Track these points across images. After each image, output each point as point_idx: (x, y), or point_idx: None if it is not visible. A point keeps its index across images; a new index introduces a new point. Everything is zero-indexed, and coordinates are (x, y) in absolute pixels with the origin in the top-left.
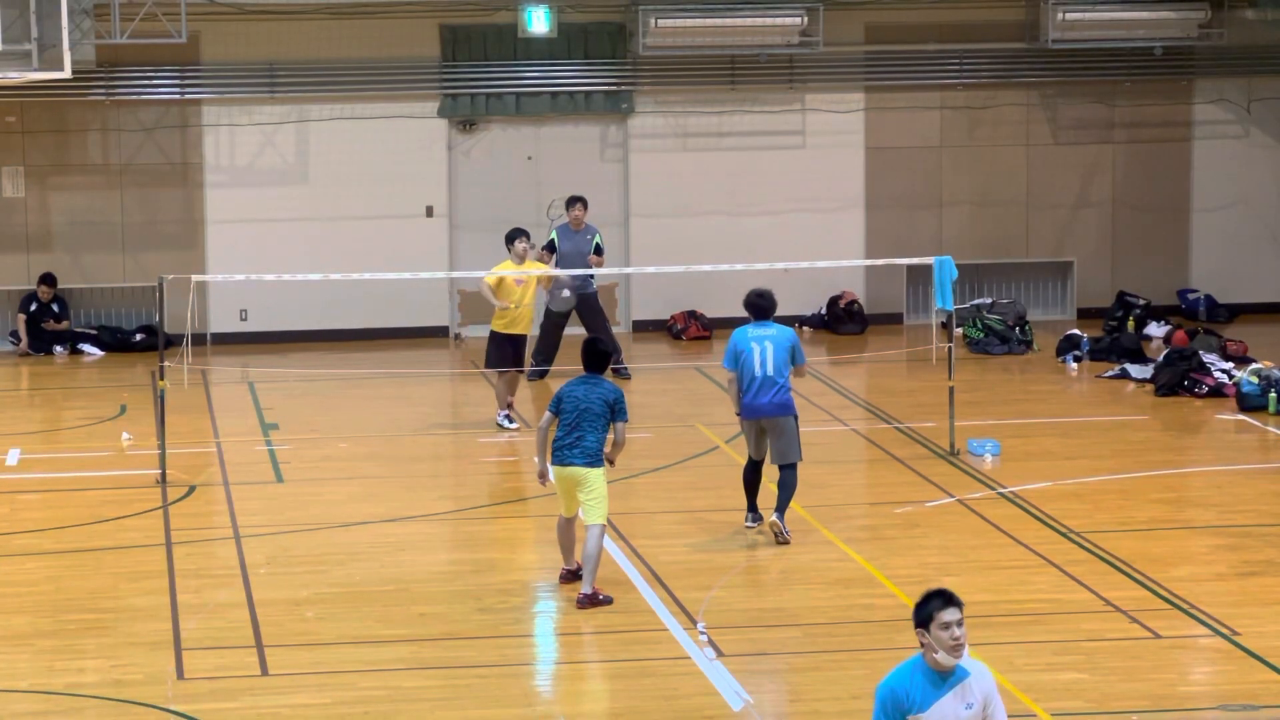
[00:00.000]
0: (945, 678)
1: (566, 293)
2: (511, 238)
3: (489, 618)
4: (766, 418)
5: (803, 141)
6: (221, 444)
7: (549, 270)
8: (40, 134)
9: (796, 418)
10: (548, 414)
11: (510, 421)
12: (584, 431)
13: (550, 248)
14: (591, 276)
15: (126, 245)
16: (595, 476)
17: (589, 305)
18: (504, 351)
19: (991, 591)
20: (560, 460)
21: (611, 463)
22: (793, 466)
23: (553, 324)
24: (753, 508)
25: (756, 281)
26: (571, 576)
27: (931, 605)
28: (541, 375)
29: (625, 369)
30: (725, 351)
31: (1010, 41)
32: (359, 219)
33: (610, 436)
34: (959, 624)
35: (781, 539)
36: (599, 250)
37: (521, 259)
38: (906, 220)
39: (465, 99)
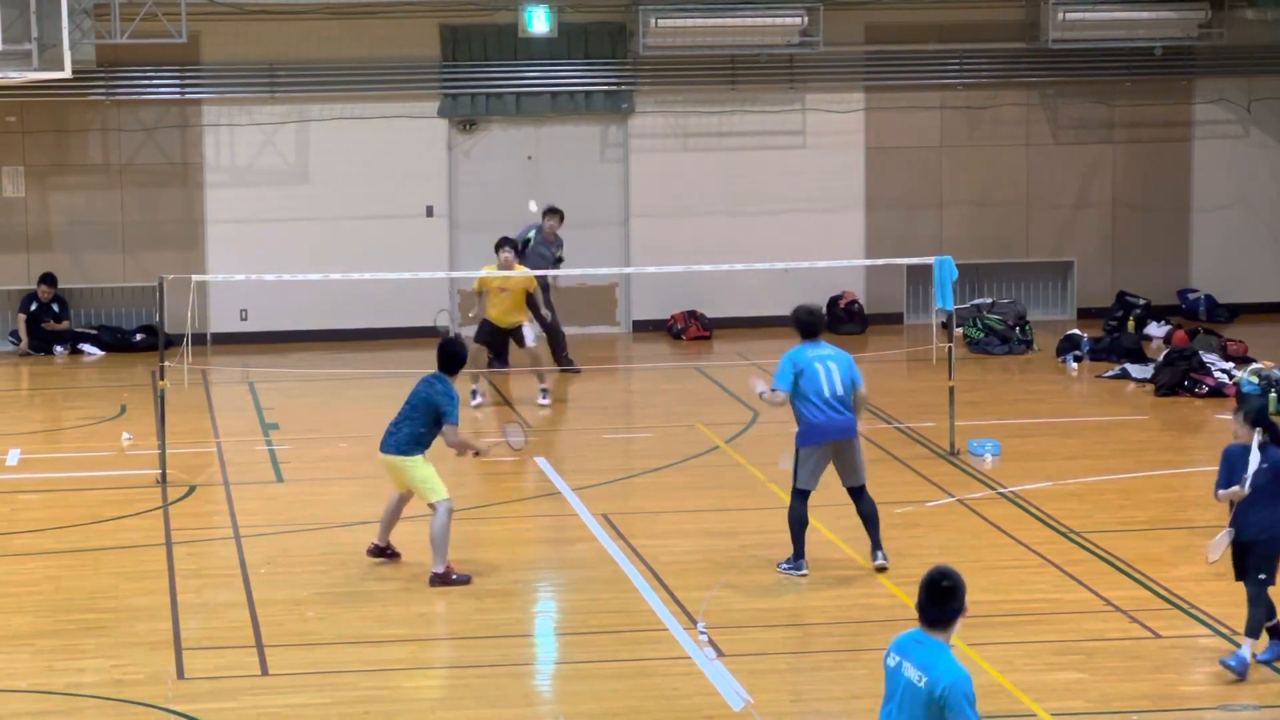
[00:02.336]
0: None
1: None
2: (497, 247)
3: (489, 618)
4: (841, 439)
5: (803, 141)
6: (221, 444)
7: (525, 272)
8: (40, 134)
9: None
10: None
11: (476, 397)
12: (401, 423)
13: (523, 250)
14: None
15: (126, 245)
16: (409, 465)
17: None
18: (482, 333)
19: (991, 591)
20: (381, 446)
21: (477, 453)
22: (864, 487)
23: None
24: (802, 553)
25: (757, 281)
26: (379, 552)
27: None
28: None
29: (573, 363)
30: (780, 371)
31: (1010, 41)
32: (359, 219)
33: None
34: None
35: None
36: (558, 263)
37: (505, 267)
38: (906, 220)
39: (465, 99)
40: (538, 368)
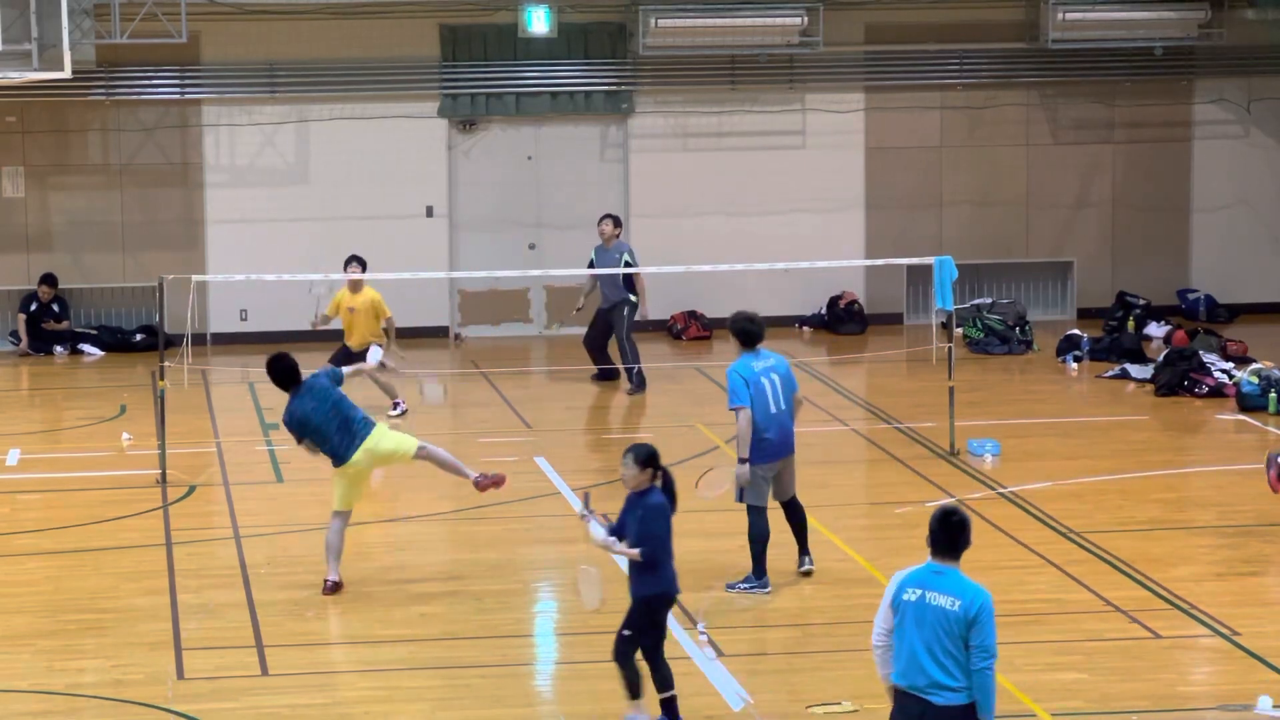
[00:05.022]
0: None
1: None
2: (346, 264)
3: (489, 618)
4: (787, 457)
5: (803, 141)
6: (221, 444)
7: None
8: (40, 134)
9: None
10: (302, 444)
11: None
12: (352, 416)
13: (590, 265)
14: (628, 295)
15: (126, 245)
16: (385, 427)
17: (611, 319)
18: (338, 358)
19: (991, 591)
20: (361, 442)
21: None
22: (795, 497)
23: (597, 332)
24: (764, 570)
25: (757, 282)
26: (335, 588)
27: None
28: (605, 377)
29: (637, 386)
30: (733, 389)
31: (1010, 41)
32: (359, 219)
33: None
34: None
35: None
36: (628, 267)
37: (351, 285)
38: (906, 220)
39: (465, 99)
40: (387, 385)
